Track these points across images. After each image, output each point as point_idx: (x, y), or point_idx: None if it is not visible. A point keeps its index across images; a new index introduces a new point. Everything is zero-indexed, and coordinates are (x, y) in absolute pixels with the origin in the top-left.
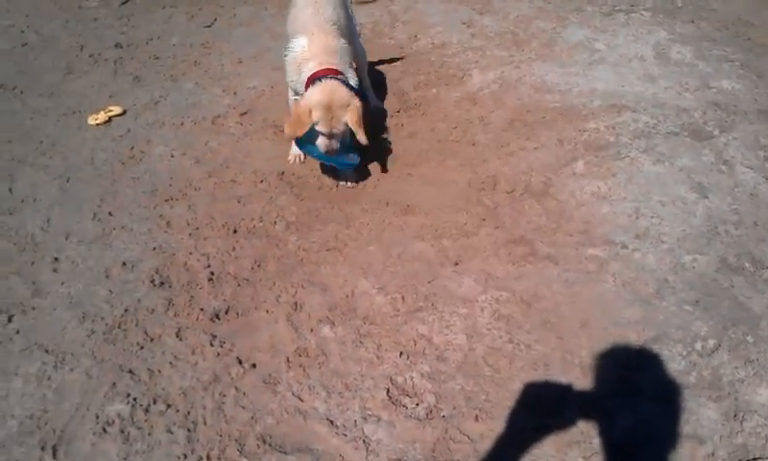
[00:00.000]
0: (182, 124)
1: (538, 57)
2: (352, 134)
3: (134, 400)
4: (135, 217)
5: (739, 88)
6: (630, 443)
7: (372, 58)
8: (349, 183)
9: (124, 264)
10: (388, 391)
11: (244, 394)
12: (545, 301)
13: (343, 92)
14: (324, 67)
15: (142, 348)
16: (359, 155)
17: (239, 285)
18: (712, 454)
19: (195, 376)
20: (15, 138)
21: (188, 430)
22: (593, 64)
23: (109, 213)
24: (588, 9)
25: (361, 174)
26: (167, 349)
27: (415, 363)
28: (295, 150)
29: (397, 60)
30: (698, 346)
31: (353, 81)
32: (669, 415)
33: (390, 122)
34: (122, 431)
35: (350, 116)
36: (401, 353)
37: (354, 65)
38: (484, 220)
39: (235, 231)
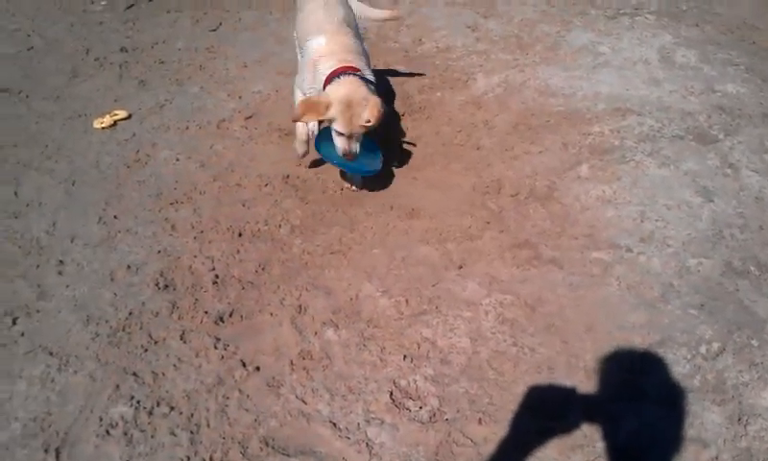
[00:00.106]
0: (188, 128)
1: (542, 60)
2: (373, 134)
3: (138, 402)
4: (140, 220)
5: (744, 92)
6: (634, 446)
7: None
8: (354, 187)
9: (129, 267)
10: (391, 394)
11: (247, 396)
12: (550, 304)
13: (363, 89)
14: (343, 65)
15: (146, 350)
16: (381, 160)
17: (243, 288)
18: (716, 458)
19: (199, 378)
20: (21, 142)
21: (191, 433)
22: (598, 68)
23: (115, 217)
24: (593, 12)
25: (367, 178)
26: (171, 351)
27: (418, 366)
28: (301, 145)
29: (415, 74)
30: (703, 349)
31: (372, 78)
32: (673, 419)
33: (394, 126)
34: (125, 434)
35: (371, 112)
36: (405, 357)
37: (371, 65)
38: (488, 224)
39: (240, 235)
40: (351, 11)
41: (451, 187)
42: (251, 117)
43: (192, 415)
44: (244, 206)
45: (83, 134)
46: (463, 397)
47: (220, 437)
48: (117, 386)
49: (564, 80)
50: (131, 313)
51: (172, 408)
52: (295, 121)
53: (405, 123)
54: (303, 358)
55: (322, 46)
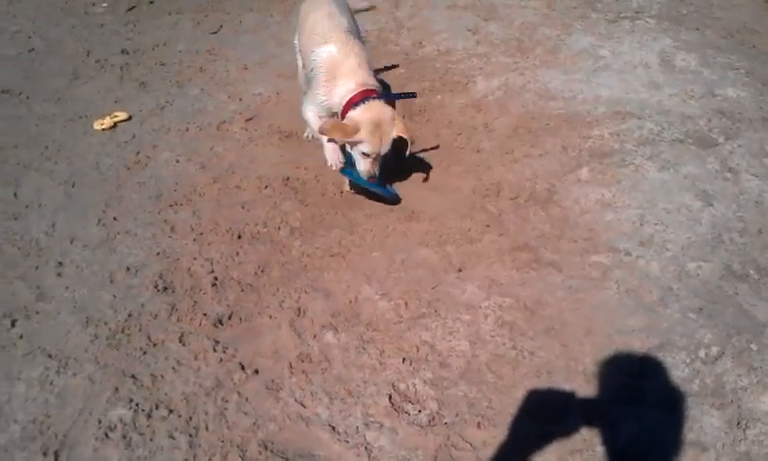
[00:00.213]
0: (188, 130)
1: (542, 64)
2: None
3: (137, 405)
4: (140, 222)
5: (744, 96)
6: (633, 451)
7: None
8: (353, 190)
9: (128, 269)
10: (390, 397)
11: (246, 400)
12: (549, 307)
13: (388, 110)
14: (362, 89)
15: (145, 353)
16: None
17: (243, 291)
18: None
19: (197, 381)
20: (21, 143)
21: (190, 436)
22: (598, 71)
23: (114, 218)
24: (593, 16)
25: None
26: (170, 354)
27: (417, 370)
28: (333, 156)
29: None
30: (702, 353)
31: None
32: (672, 422)
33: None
34: (124, 436)
35: (398, 128)
36: (404, 360)
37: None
38: (488, 226)
39: (239, 237)
40: (353, 16)
41: (451, 190)
42: (251, 119)
43: (191, 418)
44: (243, 208)
45: (83, 136)
46: (462, 400)
47: (219, 440)
48: (116, 389)
49: (565, 83)
50: (130, 315)
51: (171, 411)
52: (322, 134)
53: (405, 126)
54: (302, 361)
55: (333, 55)
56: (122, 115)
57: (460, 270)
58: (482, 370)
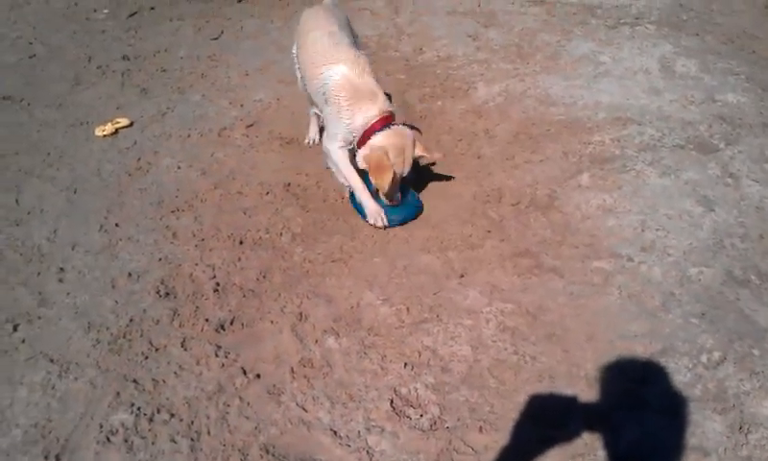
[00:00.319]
0: (189, 136)
1: (542, 70)
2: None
3: (138, 409)
4: (142, 228)
5: (744, 101)
6: (635, 456)
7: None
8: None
9: (130, 275)
10: (392, 402)
11: (248, 404)
12: (551, 313)
13: (408, 133)
14: (383, 116)
15: (147, 358)
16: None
17: (244, 296)
18: None
19: (199, 386)
20: (22, 150)
21: (192, 440)
22: (598, 77)
23: (116, 224)
24: (593, 22)
25: None
26: (172, 359)
27: (419, 374)
28: (374, 208)
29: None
30: (704, 358)
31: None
32: (675, 428)
33: None
34: (125, 441)
35: (419, 148)
36: (406, 365)
37: None
38: (489, 232)
39: (241, 243)
40: (349, 26)
41: (452, 196)
42: (252, 125)
43: (192, 422)
44: (245, 214)
45: (84, 142)
46: (463, 405)
47: (220, 444)
48: (118, 393)
49: (565, 89)
50: (131, 320)
51: (172, 415)
52: (384, 193)
53: None
54: (304, 366)
55: (347, 76)
56: (123, 121)
57: (462, 276)
58: (484, 375)
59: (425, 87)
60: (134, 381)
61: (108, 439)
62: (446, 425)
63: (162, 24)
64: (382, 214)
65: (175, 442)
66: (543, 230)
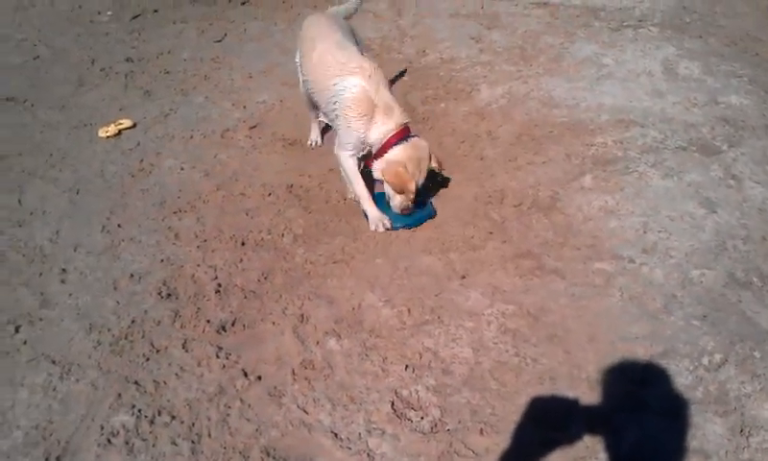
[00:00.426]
0: (192, 137)
1: (545, 72)
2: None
3: (139, 411)
4: (144, 229)
5: (747, 104)
6: (636, 458)
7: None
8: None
9: (132, 276)
10: (393, 404)
11: (249, 406)
12: (552, 315)
13: (425, 145)
14: (399, 130)
15: (148, 359)
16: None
17: (246, 297)
18: None
19: (200, 387)
20: (26, 151)
21: (193, 442)
22: (601, 79)
23: (118, 225)
24: (596, 24)
25: None
26: (173, 360)
27: (420, 376)
28: (376, 214)
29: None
30: (705, 361)
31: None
32: (676, 430)
33: None
34: (126, 442)
35: (434, 161)
36: (407, 367)
37: None
38: (491, 234)
39: (243, 244)
40: (352, 33)
41: (454, 198)
42: (255, 127)
43: (193, 424)
44: (247, 215)
45: (87, 144)
46: (465, 407)
47: (221, 447)
48: (119, 395)
49: (568, 91)
50: (133, 322)
51: (173, 417)
52: (407, 206)
53: None
54: (305, 368)
55: (361, 89)
56: (126, 123)
57: (463, 277)
58: (485, 377)
59: (428, 89)
60: (136, 383)
61: (109, 441)
62: (447, 428)
63: (166, 26)
64: (384, 220)
65: (176, 444)
66: (545, 232)
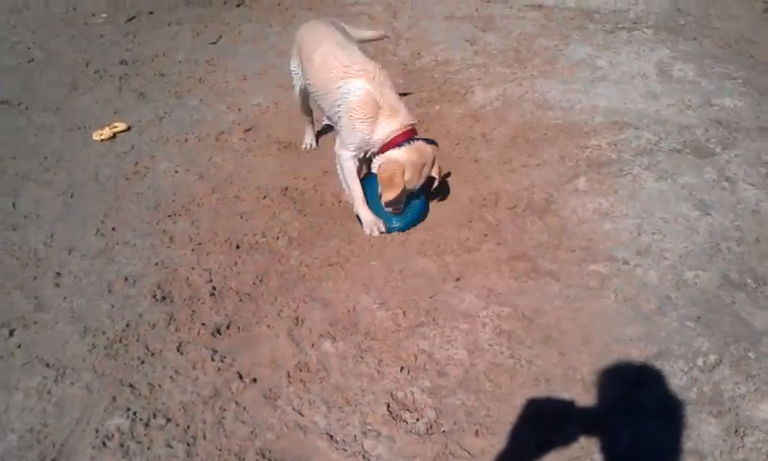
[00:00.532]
0: (186, 140)
1: (540, 74)
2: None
3: (134, 414)
4: (138, 232)
5: (741, 106)
6: (631, 459)
7: None
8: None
9: (126, 279)
10: (388, 406)
11: (244, 408)
12: (547, 316)
13: (429, 150)
14: (405, 130)
15: (143, 362)
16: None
17: (241, 300)
18: None
19: (195, 390)
20: (20, 154)
21: (188, 445)
22: (595, 82)
23: (113, 228)
24: (591, 26)
25: None
26: (168, 363)
27: (415, 378)
28: (370, 218)
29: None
30: (699, 362)
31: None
32: (670, 431)
33: None
34: (122, 445)
35: (435, 169)
36: (402, 368)
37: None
38: (486, 236)
39: (238, 247)
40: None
41: (449, 200)
42: (250, 130)
43: (188, 427)
44: (242, 218)
45: (82, 146)
46: (460, 409)
47: (216, 449)
48: (114, 398)
49: (562, 93)
50: (128, 325)
51: (168, 420)
52: (393, 205)
53: None
54: (300, 370)
55: (366, 91)
56: (121, 126)
57: (458, 279)
58: (480, 378)
59: (423, 92)
60: (130, 386)
61: (104, 444)
62: (443, 429)
63: (161, 29)
64: (379, 224)
65: (171, 447)
66: (540, 234)
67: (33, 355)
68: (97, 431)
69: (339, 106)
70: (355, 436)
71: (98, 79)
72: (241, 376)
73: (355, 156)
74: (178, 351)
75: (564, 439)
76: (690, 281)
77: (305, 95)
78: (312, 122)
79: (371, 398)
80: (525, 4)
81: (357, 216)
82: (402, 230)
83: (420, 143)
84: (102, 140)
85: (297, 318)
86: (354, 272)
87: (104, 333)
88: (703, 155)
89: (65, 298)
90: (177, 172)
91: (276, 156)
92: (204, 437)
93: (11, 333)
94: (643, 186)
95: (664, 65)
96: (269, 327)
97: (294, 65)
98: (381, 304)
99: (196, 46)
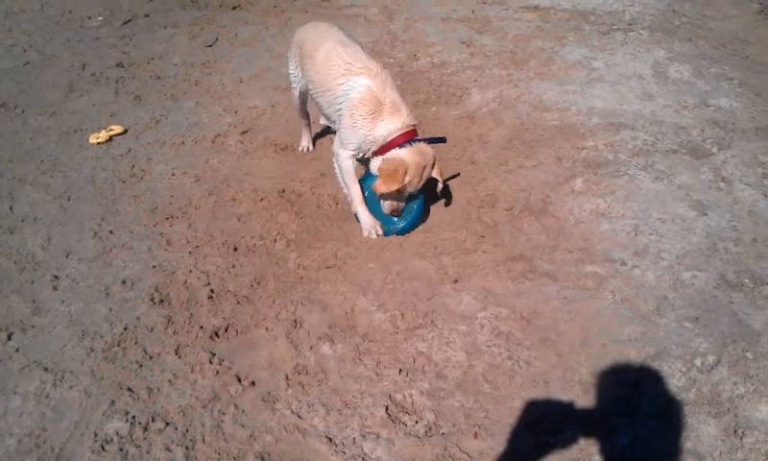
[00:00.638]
0: (183, 143)
1: (536, 75)
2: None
3: (133, 417)
4: (136, 235)
5: (737, 106)
6: (630, 460)
7: None
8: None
9: (124, 282)
10: (387, 408)
11: (243, 412)
12: (545, 317)
13: (430, 152)
14: (407, 130)
15: (141, 366)
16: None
17: (239, 303)
18: None
19: (194, 393)
20: (16, 157)
21: (186, 448)
22: (591, 83)
23: (110, 232)
24: (587, 28)
25: None
26: (166, 366)
27: (414, 380)
28: (369, 221)
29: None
30: (698, 362)
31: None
32: (669, 432)
33: None
34: (120, 449)
35: (436, 171)
36: (401, 371)
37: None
38: (483, 237)
39: (235, 249)
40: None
41: (446, 202)
42: (246, 132)
43: (187, 430)
44: (239, 220)
45: (78, 150)
46: (458, 411)
47: (215, 452)
48: (112, 401)
49: (559, 95)
50: (125, 328)
51: (167, 423)
52: (383, 196)
53: None
54: (299, 373)
55: (370, 88)
56: (117, 129)
57: (456, 281)
58: (478, 380)
59: (419, 94)
60: (129, 389)
61: (103, 448)
62: (442, 431)
63: (157, 31)
64: (377, 227)
65: (170, 450)
66: (537, 235)
67: (31, 359)
68: (96, 435)
69: (340, 103)
70: (354, 439)
71: (94, 82)
72: (239, 380)
73: (354, 155)
74: (176, 354)
75: (563, 440)
76: (688, 282)
77: (304, 98)
78: (309, 125)
79: (369, 400)
80: (521, 6)
81: (356, 216)
82: (401, 233)
83: (422, 144)
84: (98, 143)
85: (295, 320)
86: (352, 274)
87: (102, 337)
88: (699, 155)
89: (63, 301)
90: (173, 175)
91: (273, 158)
92: (203, 440)
93: (8, 337)
94: (640, 187)
95: (660, 66)
96: (267, 329)
97: (293, 68)
98: (379, 307)
99: (192, 49)
